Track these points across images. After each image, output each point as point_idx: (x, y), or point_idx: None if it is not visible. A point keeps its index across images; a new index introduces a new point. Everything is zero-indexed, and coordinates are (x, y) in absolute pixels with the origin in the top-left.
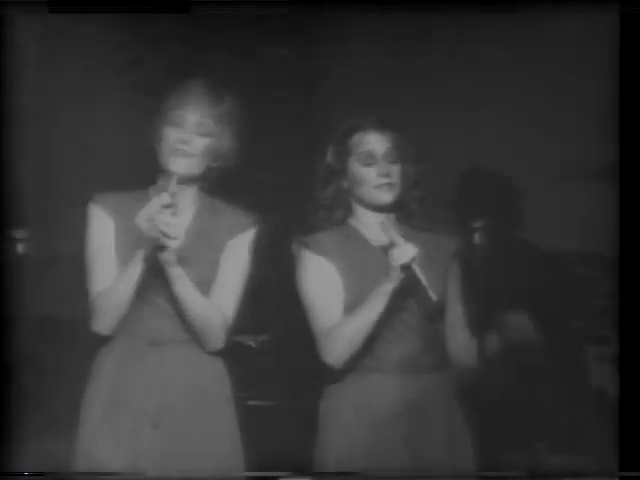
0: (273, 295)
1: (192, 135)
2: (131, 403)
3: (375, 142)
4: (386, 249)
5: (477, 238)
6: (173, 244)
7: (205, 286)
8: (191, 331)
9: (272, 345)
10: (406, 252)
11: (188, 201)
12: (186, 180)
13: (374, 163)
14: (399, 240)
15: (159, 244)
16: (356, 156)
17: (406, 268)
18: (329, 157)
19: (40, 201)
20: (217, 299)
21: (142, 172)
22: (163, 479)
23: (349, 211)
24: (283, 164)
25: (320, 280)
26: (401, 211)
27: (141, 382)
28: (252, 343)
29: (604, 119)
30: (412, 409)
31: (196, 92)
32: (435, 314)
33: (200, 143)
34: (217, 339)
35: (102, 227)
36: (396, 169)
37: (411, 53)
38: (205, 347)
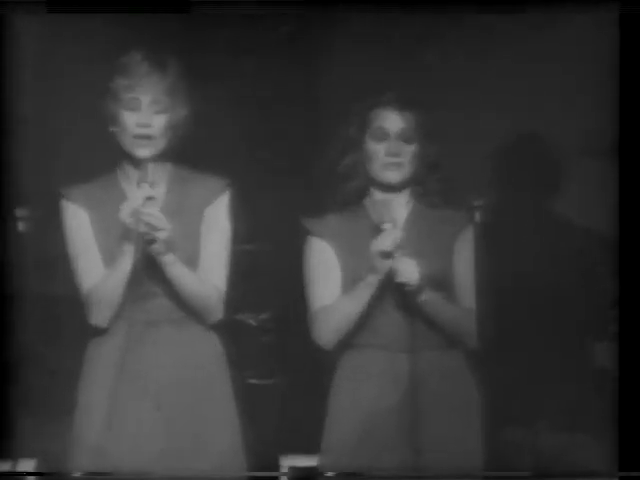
0: (274, 272)
1: (151, 116)
2: (133, 385)
3: (390, 120)
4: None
5: (480, 216)
6: (162, 235)
7: (192, 260)
8: (188, 308)
9: (273, 323)
10: (387, 240)
11: (158, 178)
12: (152, 159)
13: (386, 140)
14: (386, 226)
15: (148, 238)
16: (371, 131)
17: (387, 256)
18: (348, 128)
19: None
20: (206, 271)
21: (104, 157)
22: (163, 479)
23: (365, 190)
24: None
25: (318, 262)
26: (416, 190)
27: (141, 363)
28: (252, 321)
29: (604, 118)
30: (410, 387)
31: (140, 69)
32: (416, 303)
33: (159, 121)
34: (215, 311)
35: (78, 221)
36: (409, 149)
37: (426, 38)
38: (205, 321)
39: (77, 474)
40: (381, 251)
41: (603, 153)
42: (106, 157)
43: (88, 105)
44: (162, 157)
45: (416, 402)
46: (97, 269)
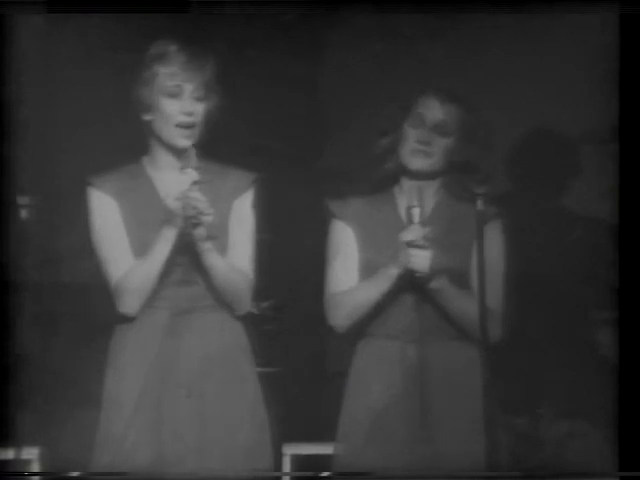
0: (283, 260)
1: (192, 104)
2: (162, 374)
3: (431, 109)
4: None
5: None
6: (207, 219)
7: (221, 251)
8: (219, 297)
9: (278, 312)
10: (416, 231)
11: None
12: (194, 146)
13: (420, 127)
14: (415, 216)
15: (195, 221)
16: (411, 116)
17: (416, 247)
18: (391, 110)
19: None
20: (236, 261)
21: (133, 145)
22: (166, 477)
23: (395, 176)
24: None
25: (339, 245)
26: (447, 183)
27: (171, 352)
28: (255, 310)
29: (604, 118)
30: (421, 378)
31: (180, 57)
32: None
33: (199, 110)
34: (246, 301)
35: (106, 210)
36: (443, 142)
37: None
38: (235, 311)
39: (77, 474)
40: (409, 241)
41: (603, 151)
42: (132, 146)
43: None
44: (198, 147)
45: (426, 394)
46: (127, 257)
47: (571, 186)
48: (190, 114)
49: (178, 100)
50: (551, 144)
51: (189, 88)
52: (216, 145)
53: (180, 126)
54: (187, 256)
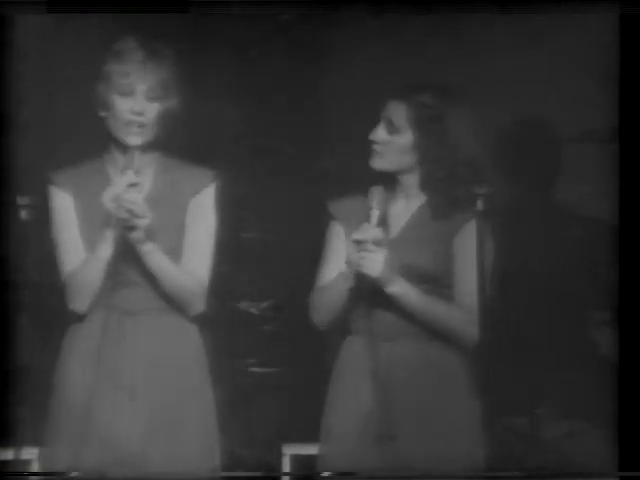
0: (276, 261)
1: (144, 103)
2: (109, 375)
3: (394, 110)
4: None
5: (482, 205)
6: (142, 223)
7: (175, 251)
8: (167, 299)
9: (274, 312)
10: (366, 231)
11: (144, 166)
12: (141, 147)
13: (386, 127)
14: (372, 220)
15: (128, 224)
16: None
17: (359, 244)
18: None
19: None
20: (189, 263)
21: (93, 141)
22: (159, 479)
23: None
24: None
25: (327, 244)
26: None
27: (117, 353)
28: (254, 310)
29: (604, 118)
30: (385, 378)
31: (135, 56)
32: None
33: (152, 110)
34: (196, 305)
35: (62, 206)
36: (398, 141)
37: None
38: (185, 314)
39: (76, 474)
40: (357, 241)
41: (604, 150)
42: (94, 142)
43: (79, 89)
44: (151, 146)
45: (387, 393)
46: (78, 254)
47: (570, 186)
48: (140, 114)
49: (130, 99)
50: (551, 144)
51: (142, 88)
52: (178, 142)
53: (129, 124)
54: (132, 257)
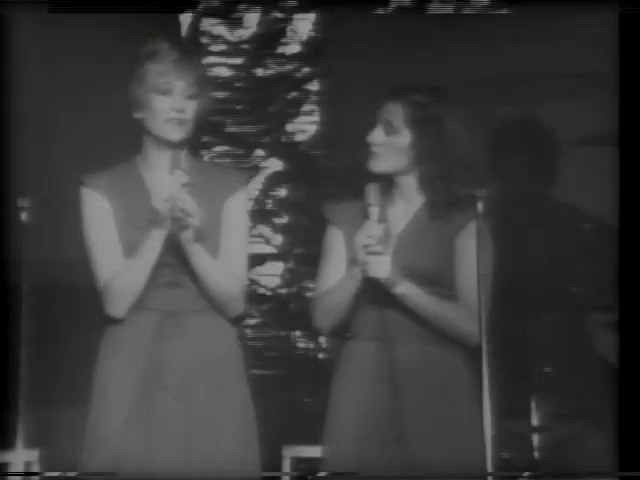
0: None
1: (183, 101)
2: (150, 377)
3: (392, 111)
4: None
5: (483, 206)
6: (195, 222)
7: (211, 252)
8: (210, 300)
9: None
10: (370, 234)
11: (190, 166)
12: (183, 145)
13: (383, 128)
14: (373, 217)
15: (182, 224)
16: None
17: (364, 244)
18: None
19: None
20: (228, 263)
21: (126, 143)
22: (163, 479)
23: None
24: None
25: (327, 249)
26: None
27: (159, 355)
28: (255, 312)
29: (603, 118)
30: (393, 379)
31: (171, 55)
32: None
33: (191, 107)
34: (237, 304)
35: (98, 210)
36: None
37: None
38: (226, 314)
39: (76, 474)
40: (362, 245)
41: (604, 151)
42: (125, 145)
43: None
44: (187, 146)
45: (397, 395)
46: (118, 258)
47: (570, 186)
48: (181, 111)
49: (169, 97)
50: (550, 144)
51: (180, 85)
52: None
53: (171, 122)
54: (176, 258)
